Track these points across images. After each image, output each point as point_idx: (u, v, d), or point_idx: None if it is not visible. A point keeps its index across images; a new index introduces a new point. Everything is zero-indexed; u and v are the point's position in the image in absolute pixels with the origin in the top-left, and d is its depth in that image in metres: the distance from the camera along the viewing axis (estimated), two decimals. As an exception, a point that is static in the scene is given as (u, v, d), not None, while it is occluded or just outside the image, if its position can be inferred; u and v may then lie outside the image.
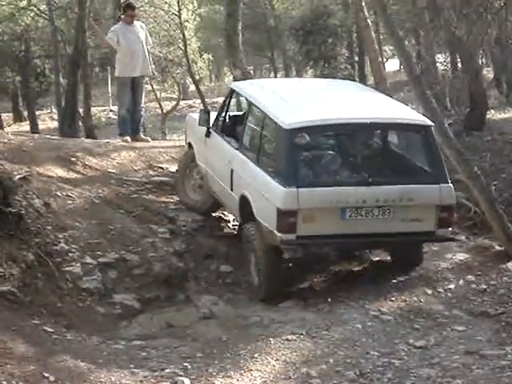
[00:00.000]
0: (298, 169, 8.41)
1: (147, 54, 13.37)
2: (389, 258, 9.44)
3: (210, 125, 10.17)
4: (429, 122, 8.80)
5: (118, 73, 13.53)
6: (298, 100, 9.34)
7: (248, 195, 8.86)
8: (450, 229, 8.77)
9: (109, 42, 13.35)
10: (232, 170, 9.34)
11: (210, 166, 10.26)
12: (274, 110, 8.92)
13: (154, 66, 13.98)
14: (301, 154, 8.47)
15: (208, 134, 10.19)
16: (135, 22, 13.57)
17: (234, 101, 11.77)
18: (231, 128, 10.00)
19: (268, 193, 8.45)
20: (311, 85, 11.36)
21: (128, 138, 13.28)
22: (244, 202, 8.96)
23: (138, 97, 13.48)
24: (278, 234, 8.26)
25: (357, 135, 8.91)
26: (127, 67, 13.21)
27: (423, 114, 9.14)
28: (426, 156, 8.72)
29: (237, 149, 9.42)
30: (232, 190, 9.35)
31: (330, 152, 8.83)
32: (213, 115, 10.35)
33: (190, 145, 11.05)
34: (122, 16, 13.84)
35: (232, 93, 10.34)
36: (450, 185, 8.56)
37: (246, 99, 9.98)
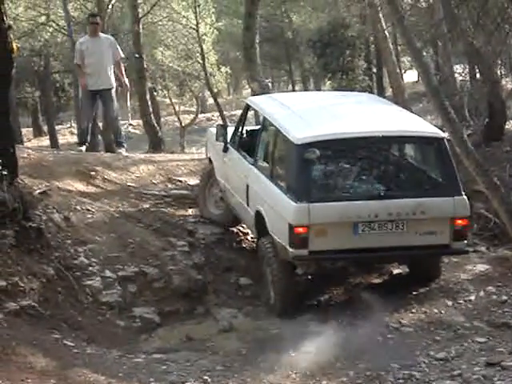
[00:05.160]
0: (309, 184, 8.38)
1: (110, 68, 13.20)
2: (407, 270, 9.41)
3: (228, 140, 10.19)
4: (442, 134, 8.75)
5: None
6: (310, 114, 9.32)
7: (262, 210, 8.87)
8: (466, 241, 8.70)
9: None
10: (248, 186, 9.35)
11: (227, 180, 10.28)
12: (286, 124, 8.92)
13: (127, 80, 13.79)
14: (312, 168, 8.42)
15: (226, 149, 10.20)
16: (102, 36, 13.59)
17: (254, 117, 11.84)
18: (248, 143, 10.01)
19: (280, 208, 8.45)
20: (325, 98, 11.31)
21: (83, 148, 13.27)
22: (259, 217, 8.97)
23: (109, 110, 13.39)
24: (290, 250, 8.26)
25: (368, 148, 8.79)
26: (89, 80, 13.13)
27: (438, 126, 9.10)
28: (440, 168, 8.66)
29: (252, 164, 9.44)
30: (248, 205, 9.36)
31: (342, 166, 8.75)
32: (230, 129, 10.38)
33: (210, 160, 11.08)
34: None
35: (247, 108, 10.37)
36: (465, 197, 8.48)
37: (260, 114, 9.98)
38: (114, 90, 13.36)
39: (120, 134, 13.71)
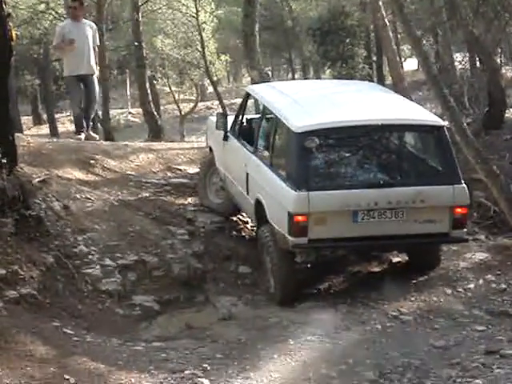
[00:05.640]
0: (308, 172, 8.37)
1: (92, 53, 13.14)
2: (407, 258, 9.42)
3: (228, 128, 10.19)
4: (441, 122, 8.75)
5: (64, 73, 13.55)
6: (310, 103, 9.32)
7: (262, 199, 8.87)
8: (465, 230, 8.71)
9: (59, 47, 13.36)
10: (247, 174, 9.36)
11: (227, 169, 10.28)
12: (285, 113, 8.92)
13: (98, 67, 13.73)
14: (311, 157, 8.40)
15: (226, 138, 10.20)
16: (85, 21, 13.51)
17: (254, 105, 11.83)
18: (247, 131, 10.01)
19: (280, 196, 8.46)
20: (325, 87, 11.37)
21: (82, 136, 13.24)
22: (259, 206, 8.98)
23: (92, 95, 13.27)
24: (290, 238, 8.27)
25: (368, 137, 8.77)
26: (71, 65, 13.09)
27: (438, 114, 9.10)
28: (439, 156, 8.65)
29: (252, 152, 9.44)
30: (248, 193, 9.37)
31: (341, 154, 8.75)
32: (230, 118, 10.37)
33: (210, 148, 11.07)
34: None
35: (247, 96, 10.36)
36: (464, 185, 8.48)
37: (260, 102, 9.99)
38: (95, 76, 13.32)
39: (91, 118, 13.62)
